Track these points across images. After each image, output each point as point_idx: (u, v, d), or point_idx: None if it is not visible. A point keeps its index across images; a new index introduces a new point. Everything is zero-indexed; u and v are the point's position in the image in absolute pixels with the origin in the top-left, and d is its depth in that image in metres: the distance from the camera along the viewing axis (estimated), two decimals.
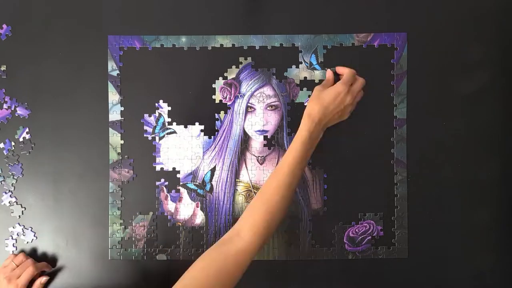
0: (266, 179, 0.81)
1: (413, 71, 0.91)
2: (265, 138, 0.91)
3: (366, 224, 0.90)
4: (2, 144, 0.90)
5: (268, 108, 0.91)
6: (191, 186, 0.91)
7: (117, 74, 0.91)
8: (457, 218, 0.91)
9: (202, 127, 0.91)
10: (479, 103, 0.91)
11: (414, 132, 0.91)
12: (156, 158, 0.90)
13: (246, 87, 0.91)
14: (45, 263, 0.88)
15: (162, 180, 0.90)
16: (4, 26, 0.90)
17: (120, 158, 0.90)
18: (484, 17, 0.91)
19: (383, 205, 0.91)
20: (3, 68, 0.90)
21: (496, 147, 0.91)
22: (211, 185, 0.91)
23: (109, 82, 0.90)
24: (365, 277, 0.90)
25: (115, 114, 0.90)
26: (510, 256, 0.91)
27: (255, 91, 0.91)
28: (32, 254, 0.90)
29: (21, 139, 0.90)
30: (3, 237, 0.90)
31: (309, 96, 0.90)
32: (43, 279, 0.87)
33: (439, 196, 0.91)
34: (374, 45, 0.91)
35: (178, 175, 0.91)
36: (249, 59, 0.91)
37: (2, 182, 0.90)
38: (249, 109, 0.91)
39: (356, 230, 0.90)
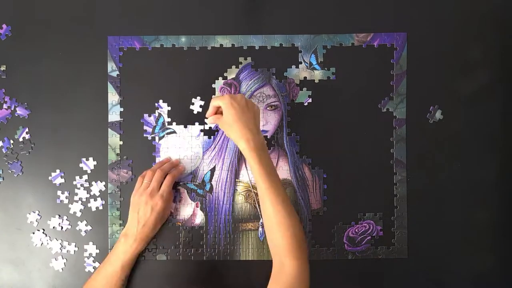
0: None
1: (413, 71, 0.91)
2: (265, 138, 0.90)
3: (365, 224, 0.90)
4: (0, 142, 0.90)
5: (268, 108, 0.91)
6: (191, 186, 0.90)
7: (117, 75, 0.90)
8: (457, 218, 0.91)
9: (202, 127, 0.91)
10: (479, 103, 0.91)
11: (414, 132, 0.91)
12: (156, 158, 0.90)
13: (246, 87, 0.91)
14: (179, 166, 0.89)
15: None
16: (4, 26, 0.90)
17: (119, 159, 0.90)
18: (484, 17, 0.91)
19: (383, 205, 0.90)
20: (3, 68, 0.90)
21: (496, 147, 0.91)
22: (211, 185, 0.90)
23: (108, 83, 0.90)
24: (365, 277, 0.90)
25: (114, 115, 0.90)
26: (510, 256, 0.91)
27: (255, 91, 0.91)
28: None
29: (21, 139, 0.90)
30: (3, 238, 0.90)
31: (309, 96, 0.90)
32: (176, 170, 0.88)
33: (439, 196, 0.91)
34: (374, 45, 0.91)
35: None
36: (249, 59, 0.91)
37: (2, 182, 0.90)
38: None
39: (356, 230, 0.90)
